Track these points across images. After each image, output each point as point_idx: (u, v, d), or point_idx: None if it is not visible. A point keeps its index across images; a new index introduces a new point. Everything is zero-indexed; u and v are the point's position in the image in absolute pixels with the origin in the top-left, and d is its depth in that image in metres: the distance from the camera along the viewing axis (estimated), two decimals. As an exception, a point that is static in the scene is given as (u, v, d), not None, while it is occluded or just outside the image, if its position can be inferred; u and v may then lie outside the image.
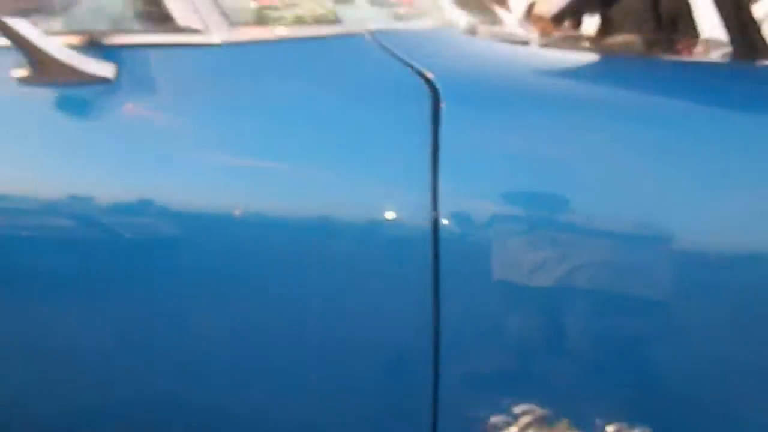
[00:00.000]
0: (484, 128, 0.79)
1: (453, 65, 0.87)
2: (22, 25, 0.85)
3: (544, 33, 2.09)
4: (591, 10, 2.02)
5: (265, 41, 0.90)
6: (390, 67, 0.85)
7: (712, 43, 1.55)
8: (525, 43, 1.24)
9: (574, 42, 1.48)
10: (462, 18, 1.23)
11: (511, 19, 1.91)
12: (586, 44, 1.38)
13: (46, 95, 0.90)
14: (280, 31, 0.92)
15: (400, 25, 1.00)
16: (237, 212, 0.81)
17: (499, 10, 1.80)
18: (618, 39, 1.65)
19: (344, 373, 0.82)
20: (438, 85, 0.81)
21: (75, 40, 0.90)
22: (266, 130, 0.83)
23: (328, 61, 0.88)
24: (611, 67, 0.97)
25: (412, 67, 0.84)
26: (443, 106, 0.79)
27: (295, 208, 0.80)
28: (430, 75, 0.82)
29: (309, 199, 0.80)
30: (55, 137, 0.90)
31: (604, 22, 1.96)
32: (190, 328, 0.85)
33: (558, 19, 1.84)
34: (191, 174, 0.84)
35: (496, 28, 1.28)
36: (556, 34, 1.63)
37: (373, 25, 0.93)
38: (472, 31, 1.11)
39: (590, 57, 1.05)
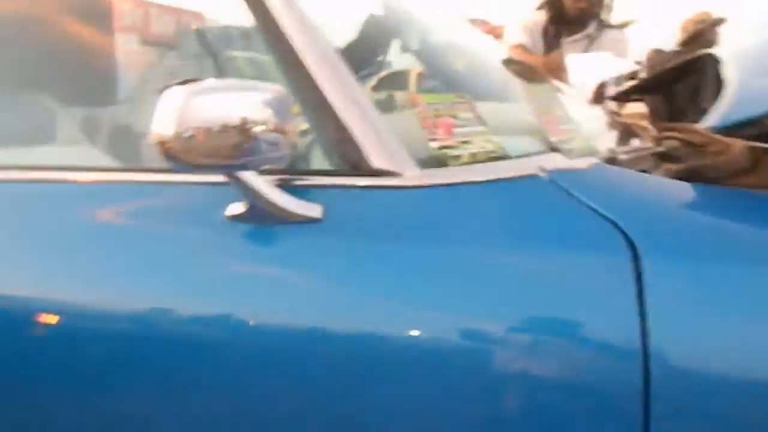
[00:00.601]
0: (682, 274, 0.88)
1: (632, 208, 0.95)
2: (243, 173, 0.94)
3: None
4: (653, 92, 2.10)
5: (455, 184, 0.98)
6: (573, 211, 0.94)
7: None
8: (643, 158, 1.32)
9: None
10: (596, 137, 1.33)
11: (576, 94, 2.01)
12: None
13: (252, 231, 0.99)
14: (466, 175, 1.00)
15: (564, 162, 1.07)
16: (449, 349, 0.89)
17: (563, 86, 1.90)
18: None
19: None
20: (627, 232, 0.90)
21: (279, 180, 0.99)
22: (496, 279, 0.91)
23: (514, 204, 0.97)
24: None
25: (594, 210, 0.93)
26: (639, 252, 0.87)
27: (504, 349, 0.88)
28: (617, 220, 0.91)
29: (514, 340, 0.88)
30: (264, 274, 0.97)
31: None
32: None
33: (618, 99, 1.93)
34: (398, 314, 0.91)
35: (620, 146, 1.36)
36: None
37: (545, 163, 1.02)
38: (613, 158, 1.20)
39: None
